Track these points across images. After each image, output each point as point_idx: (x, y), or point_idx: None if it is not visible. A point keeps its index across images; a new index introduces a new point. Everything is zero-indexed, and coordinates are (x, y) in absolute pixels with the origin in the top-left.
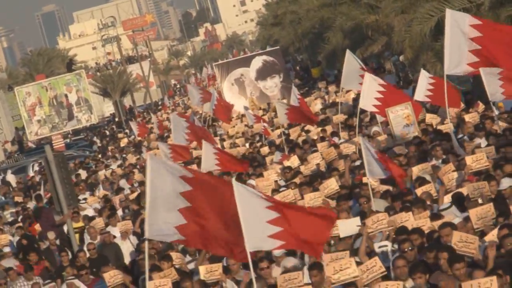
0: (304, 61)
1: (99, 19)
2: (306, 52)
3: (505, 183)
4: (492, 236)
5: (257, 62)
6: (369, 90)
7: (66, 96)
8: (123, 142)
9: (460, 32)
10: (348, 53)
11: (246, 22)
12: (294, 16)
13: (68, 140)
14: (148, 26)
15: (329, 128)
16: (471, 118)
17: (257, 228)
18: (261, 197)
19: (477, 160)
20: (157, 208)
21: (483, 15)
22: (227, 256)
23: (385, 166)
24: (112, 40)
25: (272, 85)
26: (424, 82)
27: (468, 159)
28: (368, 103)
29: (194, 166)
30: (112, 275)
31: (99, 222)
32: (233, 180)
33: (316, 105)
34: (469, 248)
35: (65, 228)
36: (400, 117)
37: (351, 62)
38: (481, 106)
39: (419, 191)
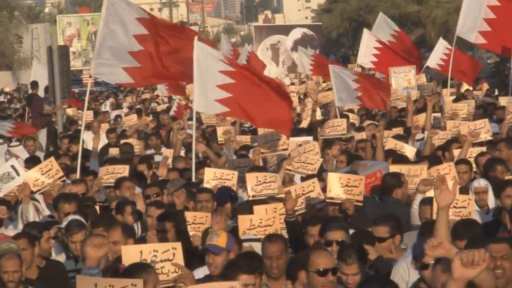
0: (346, 50)
1: None
2: (347, 38)
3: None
4: None
5: (297, 33)
6: (367, 46)
7: None
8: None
9: None
10: (381, 16)
11: (306, 18)
12: (345, 4)
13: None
14: None
15: None
16: None
17: (207, 90)
18: (219, 59)
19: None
20: (107, 48)
21: None
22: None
23: (361, 94)
24: (170, 4)
25: None
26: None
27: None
28: (366, 59)
29: None
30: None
31: None
32: (196, 39)
33: None
34: None
35: None
36: (402, 79)
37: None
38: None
39: None
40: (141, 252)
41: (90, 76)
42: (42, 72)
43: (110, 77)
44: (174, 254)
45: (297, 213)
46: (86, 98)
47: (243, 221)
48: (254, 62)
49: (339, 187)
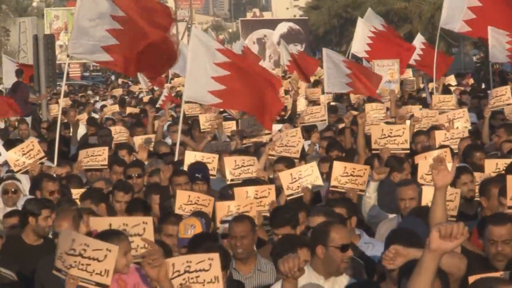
0: (333, 47)
1: None
2: (335, 35)
3: None
4: None
5: (283, 27)
6: (362, 34)
7: None
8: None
9: None
10: (369, 11)
11: (294, 16)
12: (333, 1)
13: (87, 74)
14: None
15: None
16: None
17: (200, 81)
18: (216, 49)
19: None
20: (85, 27)
21: None
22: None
23: (351, 81)
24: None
25: None
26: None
27: None
28: (360, 48)
29: None
30: None
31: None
32: (193, 27)
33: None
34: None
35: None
36: (385, 72)
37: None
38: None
39: None
40: (110, 225)
41: (68, 55)
42: (11, 67)
43: (89, 55)
44: (144, 229)
45: (293, 196)
46: (63, 87)
47: (221, 207)
48: (250, 55)
49: (344, 176)
